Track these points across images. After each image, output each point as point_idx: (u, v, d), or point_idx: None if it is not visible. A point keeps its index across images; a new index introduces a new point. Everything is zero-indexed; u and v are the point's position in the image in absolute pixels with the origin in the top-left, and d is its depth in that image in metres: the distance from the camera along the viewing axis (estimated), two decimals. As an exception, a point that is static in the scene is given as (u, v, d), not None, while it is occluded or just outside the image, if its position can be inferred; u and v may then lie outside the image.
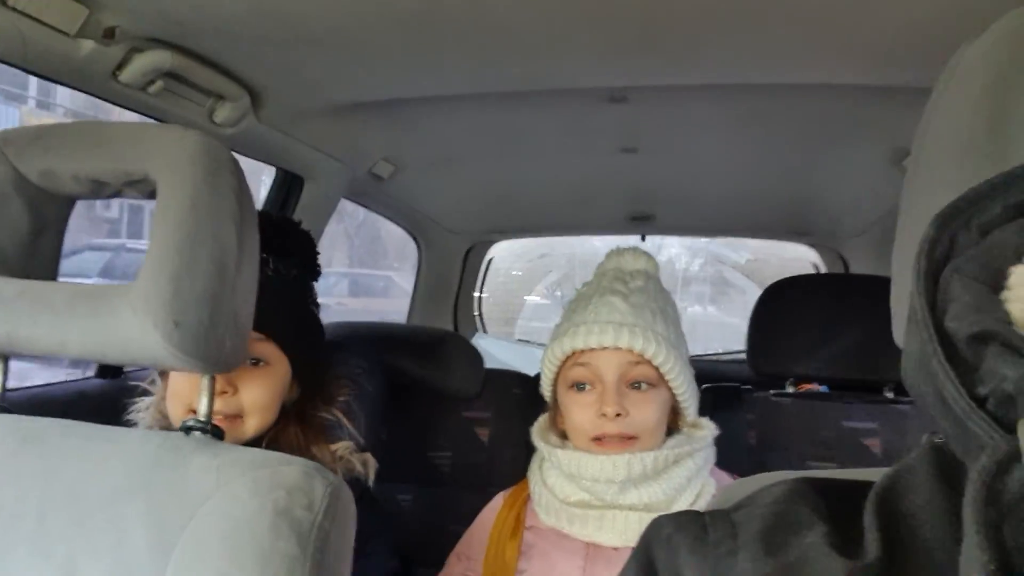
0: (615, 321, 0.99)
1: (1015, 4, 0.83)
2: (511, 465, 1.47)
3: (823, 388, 1.52)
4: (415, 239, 2.47)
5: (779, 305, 1.44)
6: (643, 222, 2.30)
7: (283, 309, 0.96)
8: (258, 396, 0.93)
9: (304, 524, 0.62)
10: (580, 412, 1.01)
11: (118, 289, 0.68)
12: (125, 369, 1.48)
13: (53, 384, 1.36)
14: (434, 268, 2.55)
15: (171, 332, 0.65)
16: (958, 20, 0.89)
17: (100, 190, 0.77)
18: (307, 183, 1.57)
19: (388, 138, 1.61)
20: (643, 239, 2.52)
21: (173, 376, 0.92)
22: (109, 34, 0.94)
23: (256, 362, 0.94)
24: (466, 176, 1.97)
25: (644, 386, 0.99)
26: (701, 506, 0.98)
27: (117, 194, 0.78)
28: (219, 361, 0.69)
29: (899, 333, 0.51)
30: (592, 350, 1.00)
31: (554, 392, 1.08)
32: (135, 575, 0.63)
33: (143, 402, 0.98)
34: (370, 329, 1.59)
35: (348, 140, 1.53)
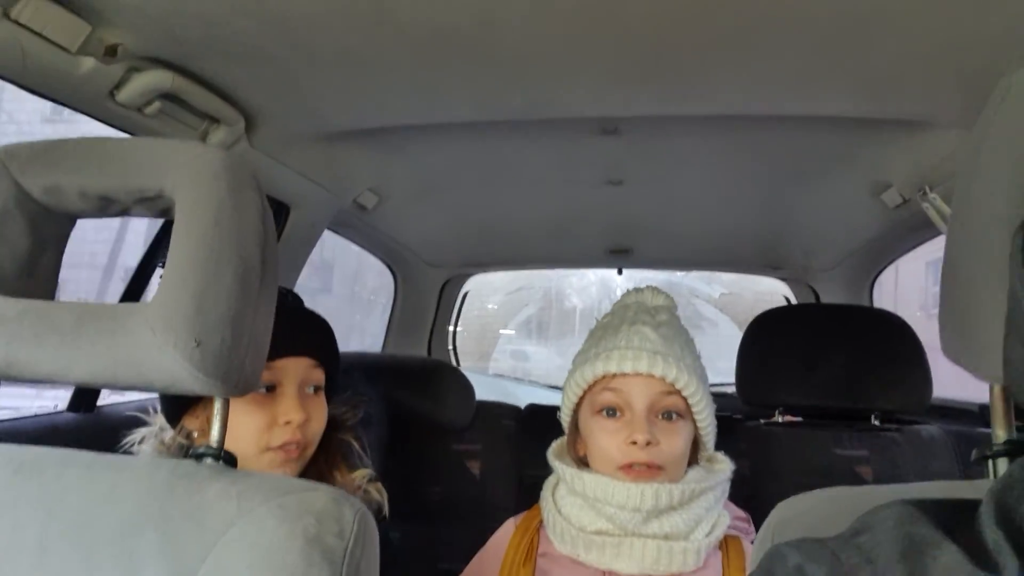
0: (648, 349, 0.98)
1: (997, 45, 0.88)
2: (502, 500, 1.44)
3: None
4: (392, 271, 2.44)
5: (766, 336, 1.46)
6: (621, 255, 2.32)
7: (328, 336, 0.97)
8: (320, 424, 0.93)
9: (336, 552, 0.59)
10: (608, 439, 0.99)
11: (133, 308, 0.65)
12: (99, 404, 1.41)
13: (21, 418, 1.29)
14: (410, 301, 2.52)
15: (192, 352, 0.62)
16: (947, 56, 0.94)
17: (107, 207, 0.74)
18: (293, 211, 1.55)
19: (375, 168, 1.60)
20: (620, 272, 2.55)
21: (233, 414, 0.88)
22: (111, 52, 0.91)
23: (317, 389, 0.94)
24: (448, 208, 1.97)
25: (674, 416, 0.99)
26: (716, 537, 0.98)
27: (124, 212, 0.75)
28: (238, 383, 0.66)
29: (949, 346, 0.52)
30: (624, 376, 0.98)
31: (574, 418, 1.07)
32: None
33: (137, 434, 0.93)
34: (361, 358, 1.56)
35: (336, 169, 1.52)
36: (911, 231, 1.66)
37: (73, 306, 0.68)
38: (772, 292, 2.56)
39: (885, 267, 2.06)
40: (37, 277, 0.76)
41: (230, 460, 0.69)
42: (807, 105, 1.14)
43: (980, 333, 0.48)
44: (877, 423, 1.40)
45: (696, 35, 0.93)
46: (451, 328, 2.74)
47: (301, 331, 0.94)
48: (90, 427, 1.33)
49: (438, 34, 0.93)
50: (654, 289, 1.11)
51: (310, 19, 0.88)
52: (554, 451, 1.09)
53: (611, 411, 1.00)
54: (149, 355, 0.63)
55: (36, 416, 1.33)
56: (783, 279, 2.49)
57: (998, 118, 0.47)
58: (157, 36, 0.91)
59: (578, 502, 1.00)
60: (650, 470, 0.96)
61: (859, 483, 1.34)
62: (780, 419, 1.46)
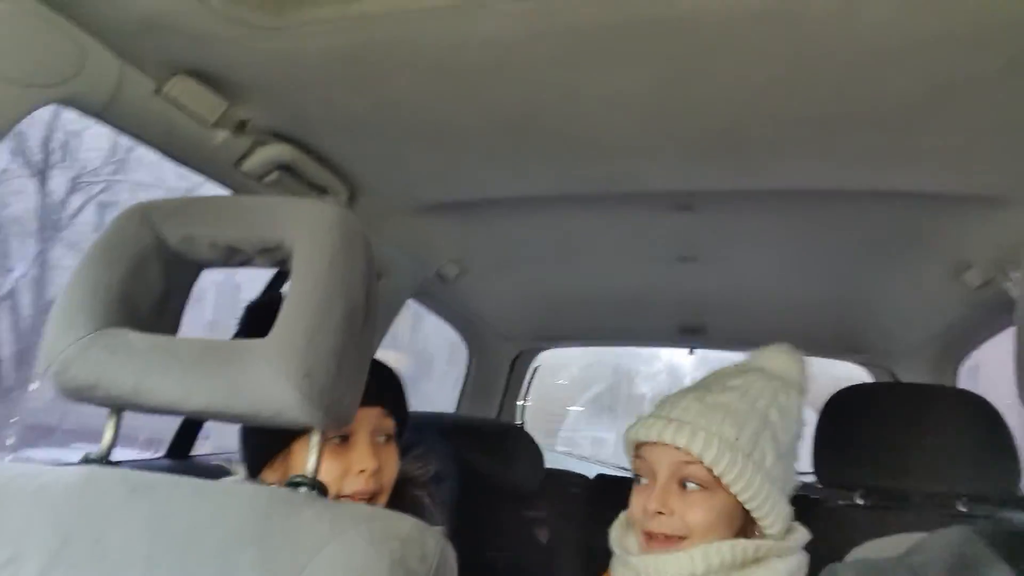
0: (674, 418, 0.99)
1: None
2: (571, 567, 1.43)
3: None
4: (466, 341, 2.52)
5: (845, 413, 1.43)
6: (693, 335, 2.32)
7: (397, 386, 1.02)
8: (392, 472, 0.97)
9: (419, 575, 0.63)
10: (633, 503, 1.02)
11: (251, 343, 0.72)
12: (193, 454, 1.51)
13: (125, 461, 1.39)
14: (482, 372, 2.57)
15: (301, 382, 0.68)
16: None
17: (232, 257, 0.83)
18: (381, 279, 1.65)
19: (458, 239, 1.69)
20: (691, 352, 2.54)
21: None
22: (241, 126, 1.04)
23: (388, 438, 0.98)
24: (524, 281, 2.03)
25: (692, 486, 0.98)
26: None
27: (247, 262, 0.84)
28: (338, 416, 0.72)
29: None
30: (652, 444, 1.00)
31: None
32: None
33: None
34: (432, 418, 1.61)
35: (423, 239, 1.62)
36: (996, 313, 1.62)
37: (197, 341, 0.76)
38: (851, 378, 2.48)
39: (971, 351, 1.99)
40: (165, 316, 0.85)
41: (322, 490, 0.75)
42: (882, 180, 1.16)
43: None
44: (964, 509, 1.33)
45: (770, 114, 0.98)
46: (520, 403, 2.76)
47: (372, 381, 0.98)
48: (184, 472, 1.41)
49: (525, 113, 1.02)
50: (788, 355, 1.11)
51: (415, 99, 0.99)
52: (617, 528, 1.09)
53: (642, 478, 1.02)
54: (261, 385, 0.70)
55: (135, 460, 1.43)
56: (863, 364, 2.42)
57: None
58: (283, 113, 1.04)
59: None
60: (668, 540, 0.96)
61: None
62: (860, 502, 1.41)
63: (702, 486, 0.97)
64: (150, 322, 0.82)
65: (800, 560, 1.01)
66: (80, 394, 0.78)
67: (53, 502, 0.76)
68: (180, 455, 1.50)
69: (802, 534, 1.03)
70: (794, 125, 1.00)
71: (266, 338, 0.72)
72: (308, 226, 0.75)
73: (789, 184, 1.20)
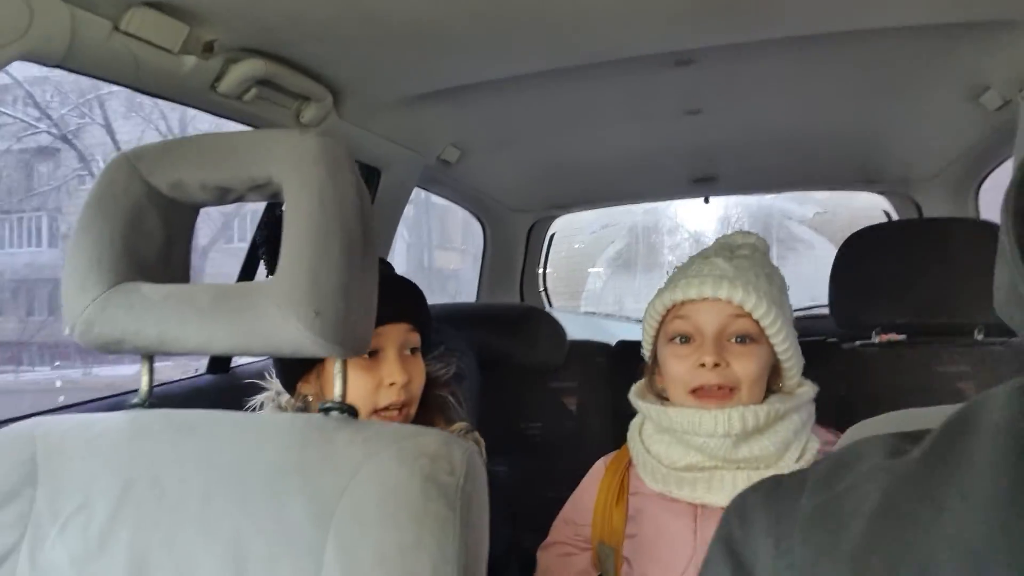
0: (716, 275, 0.99)
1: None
2: (600, 432, 1.51)
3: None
4: (480, 220, 2.52)
5: (860, 255, 1.42)
6: (706, 184, 2.29)
7: (420, 300, 1.04)
8: (420, 381, 1.01)
9: (450, 487, 0.67)
10: (678, 363, 1.01)
11: (259, 286, 0.74)
12: (232, 365, 1.57)
13: (169, 382, 1.46)
14: (499, 247, 2.59)
15: (313, 321, 0.70)
16: None
17: (225, 196, 0.82)
18: (384, 174, 1.63)
19: (455, 124, 1.65)
20: (707, 201, 2.51)
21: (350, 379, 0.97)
22: (208, 48, 1.00)
23: (414, 351, 1.01)
24: (529, 154, 2.00)
25: (747, 340, 0.99)
26: (807, 461, 0.99)
27: (241, 199, 0.83)
28: (354, 345, 0.74)
29: None
30: (693, 302, 1.00)
31: (654, 350, 1.09)
32: (299, 543, 0.70)
33: (256, 399, 1.05)
34: (453, 309, 1.65)
35: (419, 129, 1.58)
36: (1013, 134, 1.56)
37: (208, 287, 0.78)
38: (871, 208, 2.46)
39: (990, 173, 1.94)
40: (173, 263, 0.86)
41: (352, 412, 0.79)
42: (886, 16, 1.09)
43: None
44: (980, 338, 1.36)
45: None
46: (540, 270, 2.80)
47: (396, 298, 1.00)
48: (227, 386, 1.49)
49: None
50: (743, 232, 1.11)
51: None
52: (636, 392, 1.11)
53: (683, 338, 1.02)
54: (276, 327, 0.72)
55: (180, 380, 1.50)
56: (882, 193, 2.38)
57: None
58: (247, 29, 0.99)
59: (666, 439, 1.03)
60: (721, 391, 0.98)
61: (960, 400, 1.31)
62: (876, 340, 1.44)
63: (752, 339, 0.99)
64: (159, 271, 0.84)
65: (810, 409, 1.05)
66: (108, 348, 0.81)
67: (109, 449, 0.81)
68: (222, 369, 1.56)
69: (810, 387, 1.05)
70: None
71: (273, 280, 0.73)
72: (292, 161, 0.73)
73: (790, 31, 1.13)
